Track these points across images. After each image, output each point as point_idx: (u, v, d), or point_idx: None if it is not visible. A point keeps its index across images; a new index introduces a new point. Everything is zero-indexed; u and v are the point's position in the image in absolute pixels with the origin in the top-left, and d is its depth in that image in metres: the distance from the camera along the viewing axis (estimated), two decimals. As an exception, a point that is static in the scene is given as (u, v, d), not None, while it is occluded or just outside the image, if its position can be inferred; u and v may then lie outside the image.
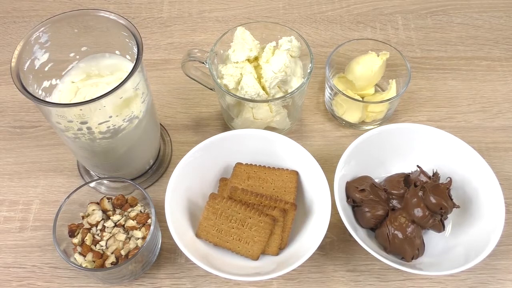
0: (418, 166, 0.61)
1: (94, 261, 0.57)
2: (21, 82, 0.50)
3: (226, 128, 0.73)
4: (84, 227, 0.59)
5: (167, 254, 0.63)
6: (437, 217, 0.57)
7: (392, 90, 0.71)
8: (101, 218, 0.60)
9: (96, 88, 0.58)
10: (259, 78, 0.65)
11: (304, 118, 0.75)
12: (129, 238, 0.59)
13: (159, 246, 0.62)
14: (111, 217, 0.60)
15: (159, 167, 0.70)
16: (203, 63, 0.64)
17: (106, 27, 0.57)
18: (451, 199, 0.57)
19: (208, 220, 0.58)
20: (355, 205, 0.61)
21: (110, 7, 0.88)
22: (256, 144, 0.63)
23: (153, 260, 0.61)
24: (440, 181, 0.60)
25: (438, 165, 0.62)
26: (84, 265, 0.56)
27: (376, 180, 0.63)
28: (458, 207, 0.58)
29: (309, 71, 0.63)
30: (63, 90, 0.59)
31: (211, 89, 0.70)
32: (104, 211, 0.61)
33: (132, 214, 0.60)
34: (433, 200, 0.56)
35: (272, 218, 0.57)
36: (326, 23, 0.86)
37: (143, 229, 0.59)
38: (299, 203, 0.62)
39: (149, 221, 0.60)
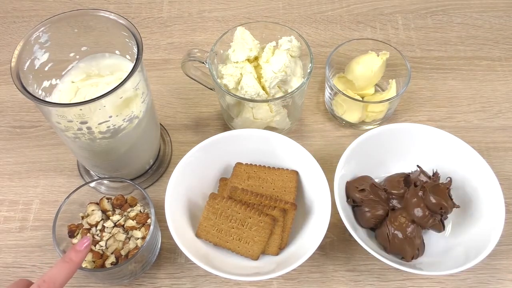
0: (418, 166, 0.61)
1: (94, 261, 0.57)
2: (21, 82, 0.50)
3: (226, 128, 0.73)
4: (83, 227, 0.59)
5: (167, 254, 0.63)
6: (437, 217, 0.57)
7: (392, 90, 0.71)
8: (100, 219, 0.60)
9: (96, 88, 0.58)
10: (259, 78, 0.65)
11: (304, 118, 0.75)
12: (129, 238, 0.59)
13: (159, 246, 0.62)
14: (110, 217, 0.60)
15: (159, 167, 0.70)
16: (203, 63, 0.64)
17: (106, 27, 0.57)
18: (451, 199, 0.57)
19: (208, 220, 0.58)
20: (355, 205, 0.61)
21: (110, 7, 0.88)
22: (256, 144, 0.63)
23: (153, 260, 0.61)
24: (440, 181, 0.60)
25: (438, 165, 0.62)
26: (84, 265, 0.56)
27: (376, 180, 0.63)
28: (458, 207, 0.58)
29: (309, 71, 0.63)
30: (63, 90, 0.59)
31: (211, 89, 0.70)
32: (104, 211, 0.61)
33: (132, 214, 0.60)
34: (433, 200, 0.56)
35: (272, 218, 0.57)
36: (326, 23, 0.86)
37: (142, 229, 0.59)
38: (299, 203, 0.62)
39: (148, 221, 0.60)
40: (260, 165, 0.63)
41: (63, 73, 0.59)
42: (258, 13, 0.87)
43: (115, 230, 0.59)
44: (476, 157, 0.61)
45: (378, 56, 0.71)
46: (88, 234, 0.58)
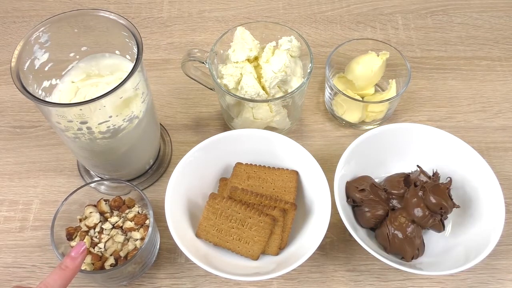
0: (418, 166, 0.61)
1: (93, 264, 0.56)
2: (21, 82, 0.50)
3: (226, 128, 0.73)
4: (82, 230, 0.59)
5: (167, 254, 0.62)
6: (437, 217, 0.57)
7: (392, 90, 0.71)
8: (98, 221, 0.59)
9: (96, 88, 0.58)
10: (259, 78, 0.65)
11: (304, 118, 0.75)
12: (128, 240, 0.59)
13: (158, 247, 0.62)
14: (108, 219, 0.60)
15: (159, 167, 0.70)
16: (203, 63, 0.64)
17: (106, 27, 0.57)
18: (451, 199, 0.57)
19: (208, 220, 0.58)
20: (355, 205, 0.61)
21: (110, 7, 0.88)
22: (256, 144, 0.63)
23: (152, 261, 0.61)
24: (440, 181, 0.60)
25: (438, 165, 0.62)
26: (83, 268, 0.56)
27: (376, 180, 0.63)
28: (458, 207, 0.58)
29: (309, 71, 0.63)
30: (63, 90, 0.59)
31: (211, 89, 0.70)
32: (102, 213, 0.60)
33: (130, 215, 0.60)
34: (433, 200, 0.56)
35: (272, 218, 0.57)
36: (326, 23, 0.86)
37: (141, 230, 0.59)
38: (299, 203, 0.62)
39: (147, 222, 0.59)
40: (260, 165, 0.63)
41: (63, 73, 0.59)
42: (258, 13, 0.87)
43: (114, 231, 0.59)
44: (476, 157, 0.61)
45: (378, 56, 0.71)
46: (86, 237, 0.58)
